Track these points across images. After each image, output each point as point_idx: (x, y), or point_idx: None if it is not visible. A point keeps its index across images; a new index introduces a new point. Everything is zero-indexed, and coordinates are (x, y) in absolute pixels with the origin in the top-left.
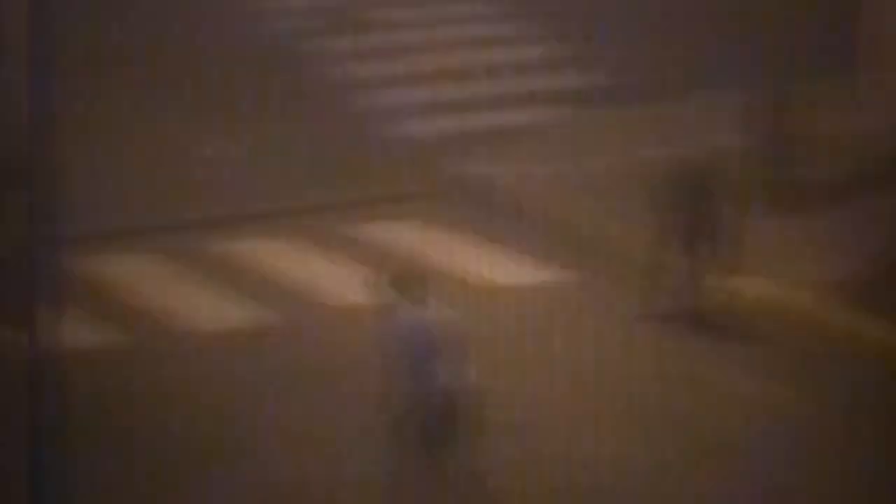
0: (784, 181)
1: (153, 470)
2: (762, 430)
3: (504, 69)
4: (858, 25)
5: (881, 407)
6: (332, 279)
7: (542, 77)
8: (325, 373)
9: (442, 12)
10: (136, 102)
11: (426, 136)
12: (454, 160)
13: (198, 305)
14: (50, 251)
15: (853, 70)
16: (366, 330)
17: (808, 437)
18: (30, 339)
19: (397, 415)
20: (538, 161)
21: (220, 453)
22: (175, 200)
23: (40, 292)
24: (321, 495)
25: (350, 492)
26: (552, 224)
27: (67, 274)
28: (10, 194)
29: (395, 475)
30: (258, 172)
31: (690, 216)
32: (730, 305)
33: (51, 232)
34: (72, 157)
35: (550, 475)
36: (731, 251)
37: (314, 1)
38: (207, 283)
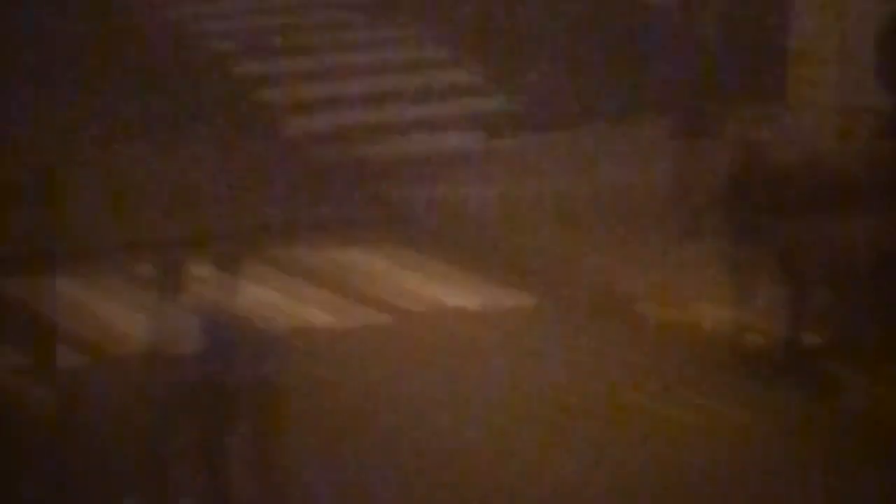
0: (717, 206)
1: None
2: (716, 455)
3: (439, 93)
4: (787, 52)
5: (834, 430)
6: (279, 303)
7: (478, 101)
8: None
9: (375, 36)
10: (67, 124)
11: (364, 160)
12: (390, 184)
13: (126, 328)
14: None
15: (781, 96)
16: (316, 351)
17: (763, 460)
18: None
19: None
20: (478, 184)
21: None
22: (109, 223)
23: None
24: None
25: None
26: (495, 246)
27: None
28: None
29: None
30: (193, 195)
31: None
32: (680, 332)
33: None
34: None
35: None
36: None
37: (251, 24)
38: (138, 306)
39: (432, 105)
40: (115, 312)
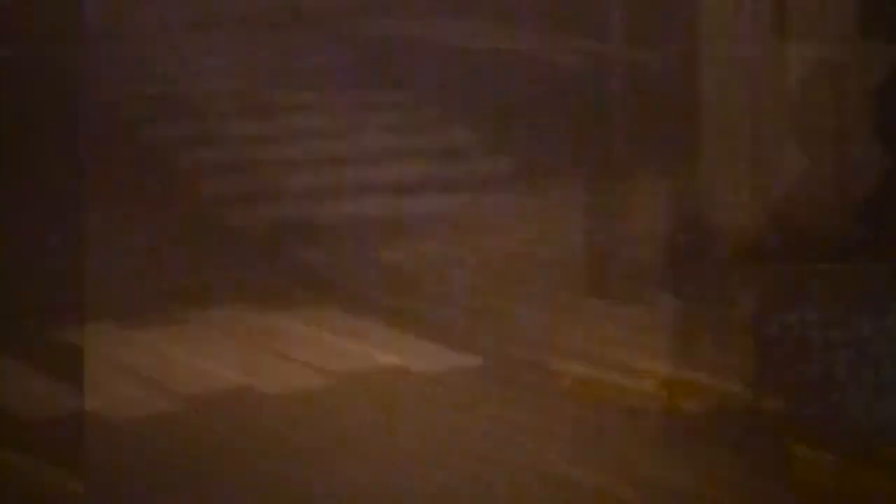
0: (630, 267)
1: None
2: None
3: (407, 154)
4: (699, 118)
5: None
6: (247, 366)
7: (447, 162)
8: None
9: (349, 98)
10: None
11: (333, 221)
12: (360, 245)
13: (42, 394)
14: None
15: (695, 162)
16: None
17: None
18: None
19: None
20: (444, 245)
21: None
22: (47, 286)
23: None
24: None
25: None
26: (457, 309)
27: None
28: None
29: None
30: (152, 258)
31: None
32: (574, 391)
33: None
34: None
35: None
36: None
37: (218, 85)
38: (51, 372)
39: (376, 168)
40: None
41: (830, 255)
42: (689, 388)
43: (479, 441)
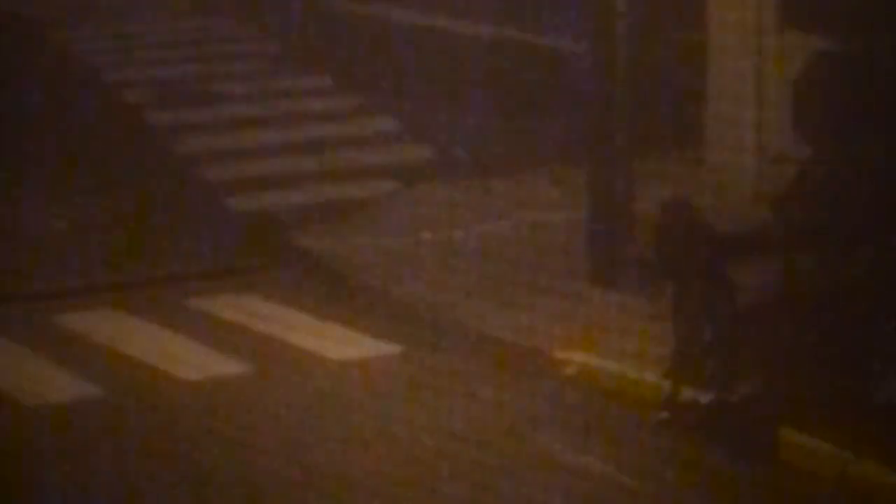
0: (627, 256)
1: None
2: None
3: (341, 142)
4: (703, 106)
5: (765, 490)
6: (163, 352)
7: (378, 150)
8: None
9: (279, 86)
10: None
11: (265, 209)
12: (288, 234)
13: (30, 378)
14: None
15: (697, 148)
16: (216, 402)
17: None
18: None
19: None
20: (376, 234)
21: None
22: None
23: None
24: None
25: None
26: (388, 298)
27: None
28: None
29: None
30: (88, 246)
31: None
32: (571, 377)
33: None
34: None
35: None
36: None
37: (152, 74)
38: (39, 356)
39: (343, 153)
40: None
41: None
42: (667, 376)
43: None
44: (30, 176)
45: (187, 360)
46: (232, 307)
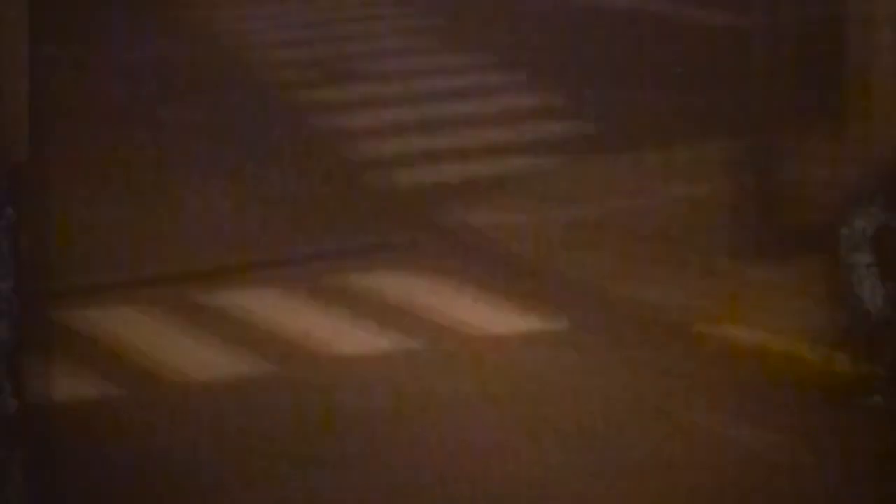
0: (771, 230)
1: None
2: (758, 478)
3: (490, 118)
4: (846, 77)
5: (876, 454)
6: (322, 329)
7: (527, 125)
8: (319, 426)
9: (428, 63)
10: (121, 152)
11: (415, 186)
12: (442, 210)
13: (189, 357)
14: (37, 303)
15: (840, 122)
16: (360, 380)
17: (803, 485)
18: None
19: None
20: (525, 209)
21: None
22: (163, 252)
23: (28, 345)
24: None
25: None
26: (538, 273)
27: (55, 326)
28: None
29: None
30: (244, 223)
31: None
32: (720, 353)
33: (37, 284)
34: (59, 208)
35: None
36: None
37: (299, 53)
38: (199, 335)
39: (496, 130)
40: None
41: None
42: (767, 351)
43: (556, 401)
44: (189, 154)
45: (353, 336)
46: (391, 284)
